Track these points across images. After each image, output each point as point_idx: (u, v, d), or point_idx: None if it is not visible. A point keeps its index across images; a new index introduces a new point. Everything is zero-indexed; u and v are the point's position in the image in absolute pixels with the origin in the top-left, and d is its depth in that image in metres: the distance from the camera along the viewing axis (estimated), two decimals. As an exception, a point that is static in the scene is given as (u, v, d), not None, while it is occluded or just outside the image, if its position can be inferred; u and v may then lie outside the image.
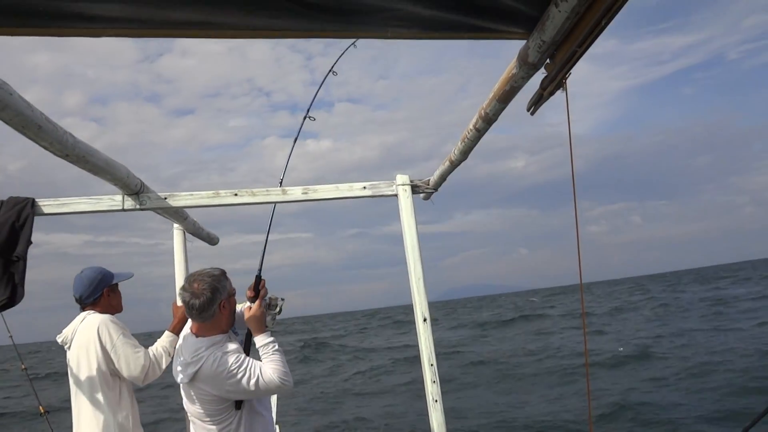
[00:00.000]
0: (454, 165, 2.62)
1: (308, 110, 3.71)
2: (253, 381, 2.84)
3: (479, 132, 2.15)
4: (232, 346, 2.97)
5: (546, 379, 15.34)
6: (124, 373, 3.40)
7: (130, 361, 3.38)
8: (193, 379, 2.85)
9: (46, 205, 2.78)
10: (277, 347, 3.02)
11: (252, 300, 3.16)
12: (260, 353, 3.01)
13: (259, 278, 3.22)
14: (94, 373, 3.33)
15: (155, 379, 3.52)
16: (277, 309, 3.19)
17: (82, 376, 3.34)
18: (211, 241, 4.42)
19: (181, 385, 3.04)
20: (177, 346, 3.16)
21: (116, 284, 3.66)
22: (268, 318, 3.15)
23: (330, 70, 3.58)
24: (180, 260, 3.99)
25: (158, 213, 3.18)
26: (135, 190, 2.75)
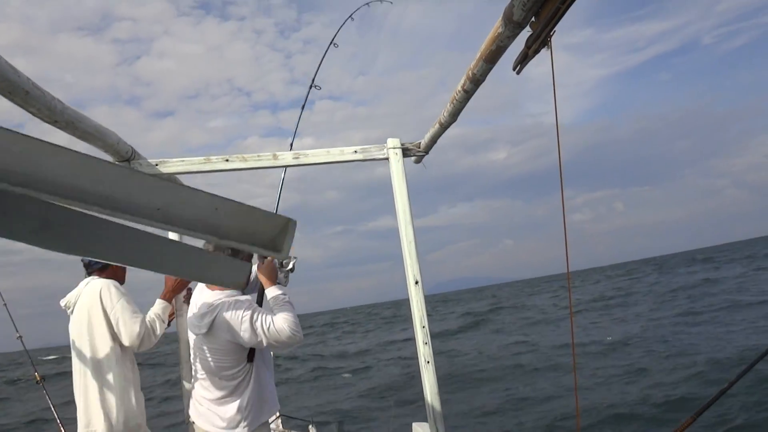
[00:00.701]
0: (443, 127, 2.62)
1: (313, 80, 3.85)
2: (266, 327, 2.92)
3: (467, 93, 2.15)
4: (246, 297, 3.10)
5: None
6: (122, 337, 3.45)
7: (128, 325, 3.43)
8: (210, 327, 2.98)
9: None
10: (288, 299, 3.11)
11: None
12: (271, 304, 3.10)
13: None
14: (95, 334, 3.39)
15: (150, 347, 3.57)
16: (290, 266, 3.29)
17: (84, 338, 3.40)
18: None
19: (194, 344, 3.16)
20: (193, 302, 3.25)
21: None
22: (281, 275, 3.24)
23: (331, 42, 3.83)
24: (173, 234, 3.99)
25: (150, 181, 3.18)
26: (126, 156, 2.76)
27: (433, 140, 2.86)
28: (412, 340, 2.96)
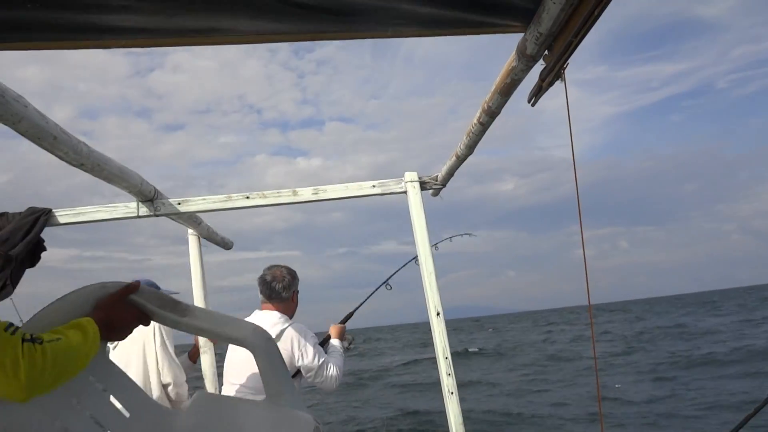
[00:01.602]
0: (460, 160, 2.65)
1: (387, 280, 4.23)
2: (321, 360, 3.27)
3: (483, 126, 2.18)
4: None
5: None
6: (163, 377, 3.68)
7: (167, 369, 3.69)
8: (279, 335, 3.20)
9: (63, 215, 2.84)
10: (344, 353, 3.60)
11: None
12: (330, 350, 3.55)
13: (350, 315, 4.02)
14: (142, 368, 3.62)
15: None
16: (351, 344, 3.82)
17: (132, 371, 3.56)
18: (226, 245, 4.47)
19: (235, 363, 3.30)
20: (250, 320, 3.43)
21: None
22: (345, 343, 3.74)
23: (385, 282, 4.23)
24: (196, 264, 4.03)
25: (172, 219, 3.23)
26: (149, 196, 2.81)
27: (450, 173, 2.88)
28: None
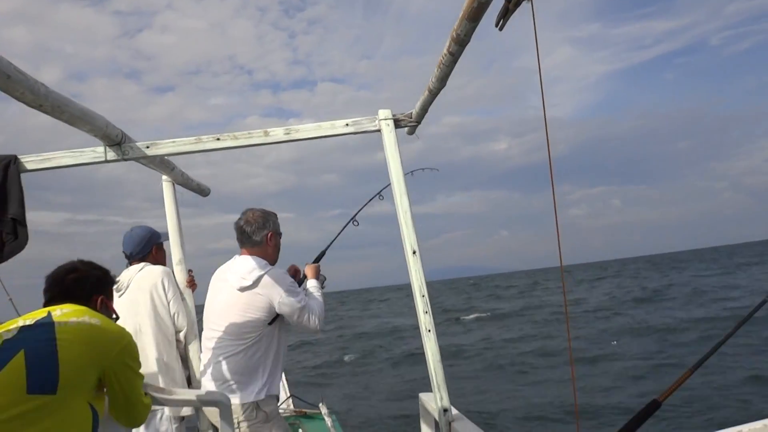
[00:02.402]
0: (433, 94, 2.59)
1: (354, 216, 4.13)
2: (302, 304, 3.24)
3: (453, 56, 2.13)
4: None
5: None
6: (177, 322, 3.81)
7: (183, 316, 3.83)
8: (256, 281, 3.19)
9: (29, 161, 2.77)
10: (322, 293, 3.53)
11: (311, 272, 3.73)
12: (309, 292, 3.48)
13: (324, 253, 3.94)
14: (153, 315, 3.70)
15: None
16: (322, 282, 3.69)
17: (144, 318, 3.68)
18: (202, 192, 4.42)
19: (217, 309, 3.32)
20: (220, 271, 3.47)
21: (162, 243, 3.96)
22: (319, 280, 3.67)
23: (352, 219, 4.13)
24: (171, 212, 3.99)
25: (143, 164, 3.16)
26: (116, 140, 2.74)
27: (424, 109, 2.83)
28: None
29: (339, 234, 4.12)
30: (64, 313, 2.13)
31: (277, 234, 3.45)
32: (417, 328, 2.78)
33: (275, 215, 3.45)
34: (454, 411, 2.73)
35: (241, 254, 3.41)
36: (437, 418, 2.81)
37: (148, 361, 3.52)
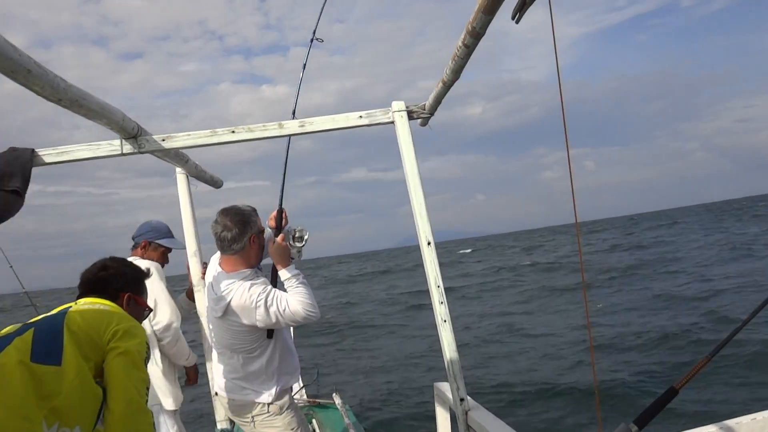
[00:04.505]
0: (447, 86, 2.60)
1: (314, 32, 3.67)
2: (281, 309, 3.00)
3: (468, 48, 2.13)
4: (260, 279, 3.16)
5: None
6: (154, 317, 3.79)
7: (160, 312, 3.82)
8: (225, 312, 3.05)
9: (47, 154, 2.80)
10: (301, 279, 3.15)
11: (275, 232, 3.33)
12: (285, 286, 3.15)
13: (281, 210, 3.37)
14: None
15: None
16: (303, 242, 3.27)
17: None
18: (215, 184, 4.45)
19: (213, 322, 3.24)
20: (207, 280, 3.36)
21: (159, 245, 4.00)
22: (293, 251, 3.26)
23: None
24: (186, 204, 4.03)
25: (158, 156, 3.19)
26: (132, 133, 2.76)
27: (438, 101, 2.84)
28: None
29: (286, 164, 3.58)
30: (82, 303, 2.27)
31: (259, 233, 3.22)
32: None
33: (253, 212, 3.21)
34: (471, 400, 2.76)
35: (220, 261, 3.25)
36: (453, 408, 2.85)
37: None
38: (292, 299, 3.05)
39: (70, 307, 2.25)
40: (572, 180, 1.68)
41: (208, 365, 3.85)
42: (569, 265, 32.16)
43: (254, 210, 3.22)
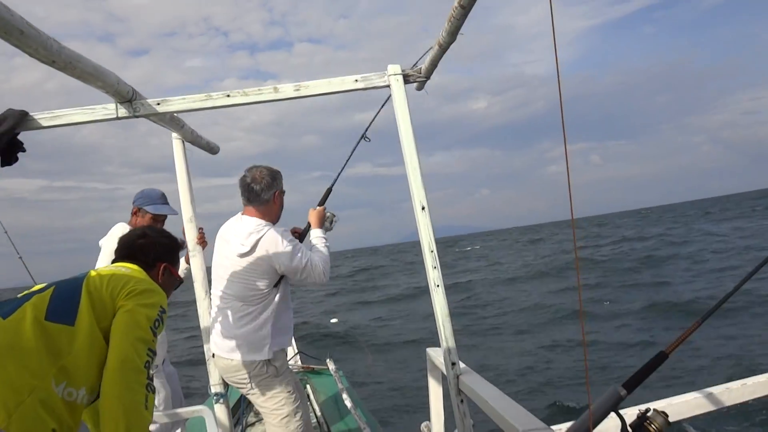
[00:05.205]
0: (443, 48, 2.57)
1: (366, 131, 3.73)
2: (304, 261, 3.25)
3: (464, 9, 2.11)
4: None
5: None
6: None
7: None
8: (254, 246, 3.21)
9: (41, 117, 2.78)
10: (327, 243, 3.55)
11: (320, 203, 3.79)
12: (312, 242, 3.53)
13: (330, 190, 3.85)
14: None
15: None
16: (333, 223, 3.74)
17: None
18: (212, 150, 4.43)
19: (221, 271, 3.36)
20: (225, 230, 3.50)
21: (145, 210, 4.16)
22: (327, 223, 3.70)
23: (363, 136, 3.73)
24: (182, 170, 4.01)
25: (153, 121, 3.18)
26: (127, 97, 2.75)
27: (434, 64, 2.81)
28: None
29: (348, 161, 3.95)
30: (107, 267, 2.32)
31: (282, 192, 3.49)
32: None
33: (280, 173, 3.46)
34: (462, 365, 2.78)
35: (244, 212, 3.44)
36: (445, 372, 2.87)
37: None
38: (315, 257, 3.33)
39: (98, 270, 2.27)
40: (569, 178, 1.68)
41: (203, 328, 3.88)
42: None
43: (280, 172, 3.44)
